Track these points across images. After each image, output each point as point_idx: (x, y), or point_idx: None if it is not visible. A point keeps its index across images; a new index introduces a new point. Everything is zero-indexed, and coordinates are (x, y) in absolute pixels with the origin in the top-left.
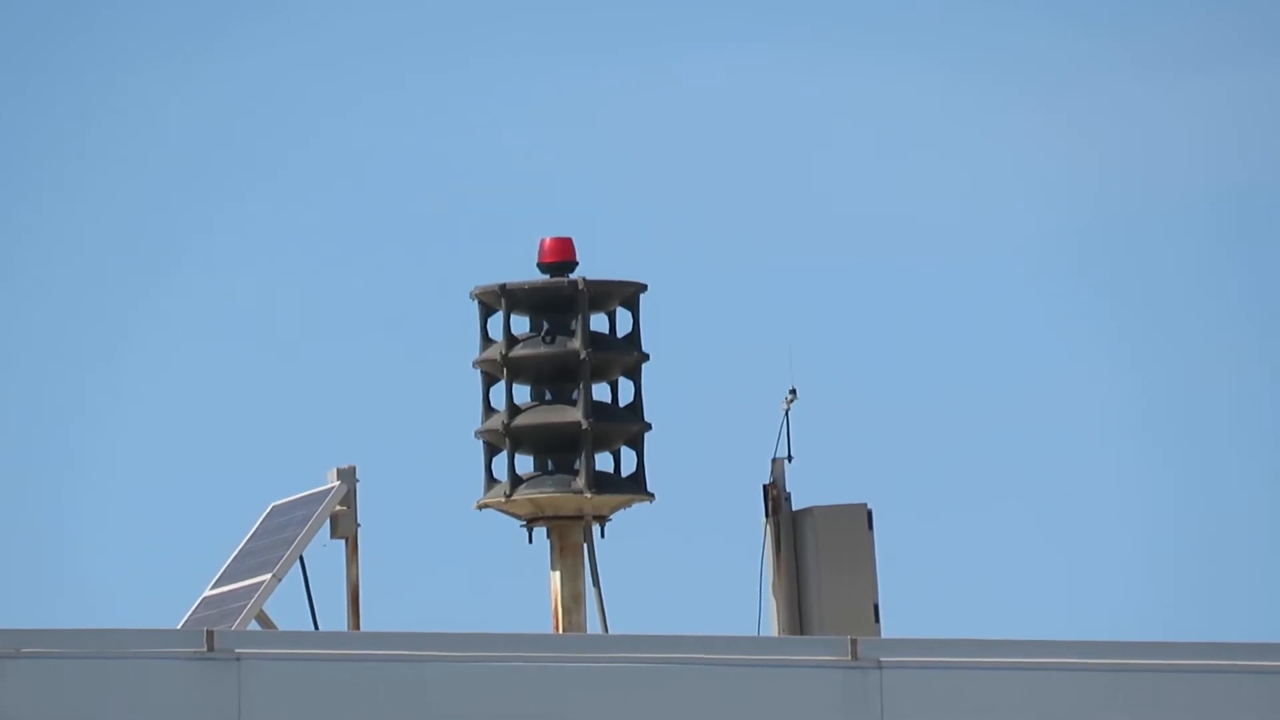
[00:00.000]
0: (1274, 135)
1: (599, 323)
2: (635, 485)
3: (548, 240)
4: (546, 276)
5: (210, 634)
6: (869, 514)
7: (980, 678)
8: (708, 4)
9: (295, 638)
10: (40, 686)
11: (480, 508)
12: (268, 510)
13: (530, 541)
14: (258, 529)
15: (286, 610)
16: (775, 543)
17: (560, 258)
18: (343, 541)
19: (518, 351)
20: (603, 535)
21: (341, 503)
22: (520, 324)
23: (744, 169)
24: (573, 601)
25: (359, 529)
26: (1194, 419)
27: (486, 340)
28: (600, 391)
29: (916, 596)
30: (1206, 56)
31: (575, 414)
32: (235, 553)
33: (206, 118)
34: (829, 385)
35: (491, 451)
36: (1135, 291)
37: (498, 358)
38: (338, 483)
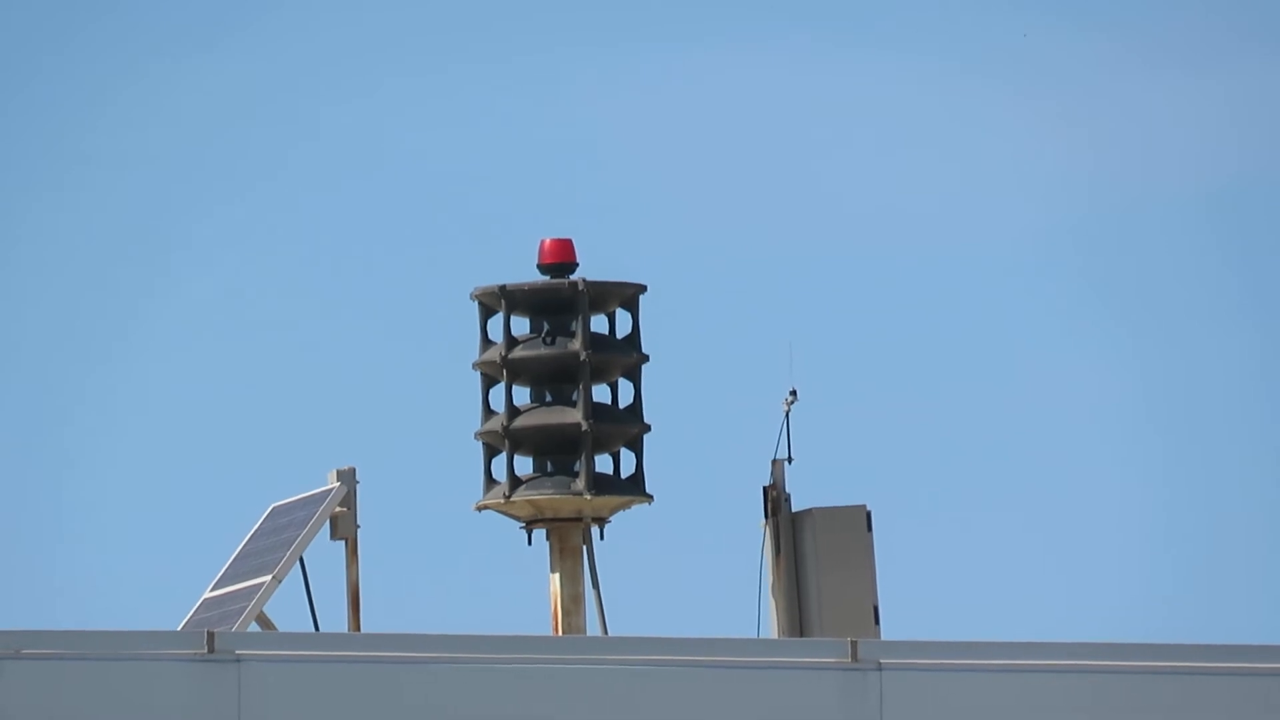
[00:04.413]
0: (1270, 131)
1: (599, 324)
2: (635, 487)
3: (548, 241)
4: (546, 278)
5: (210, 635)
6: (868, 515)
7: (980, 680)
8: (708, 4)
9: (295, 639)
10: (40, 687)
11: (479, 509)
12: (268, 511)
13: (529, 543)
14: (258, 530)
15: (287, 611)
16: (775, 544)
17: (560, 259)
18: (343, 543)
19: (517, 353)
20: (602, 537)
21: (341, 504)
22: (520, 325)
23: (744, 169)
24: (572, 603)
25: (359, 530)
26: (1193, 418)
27: (486, 342)
28: (600, 393)
29: (916, 598)
30: (1202, 53)
31: (575, 415)
32: (235, 554)
33: (206, 118)
34: (829, 385)
35: (491, 453)
36: (1133, 289)
37: (497, 359)
38: (338, 484)
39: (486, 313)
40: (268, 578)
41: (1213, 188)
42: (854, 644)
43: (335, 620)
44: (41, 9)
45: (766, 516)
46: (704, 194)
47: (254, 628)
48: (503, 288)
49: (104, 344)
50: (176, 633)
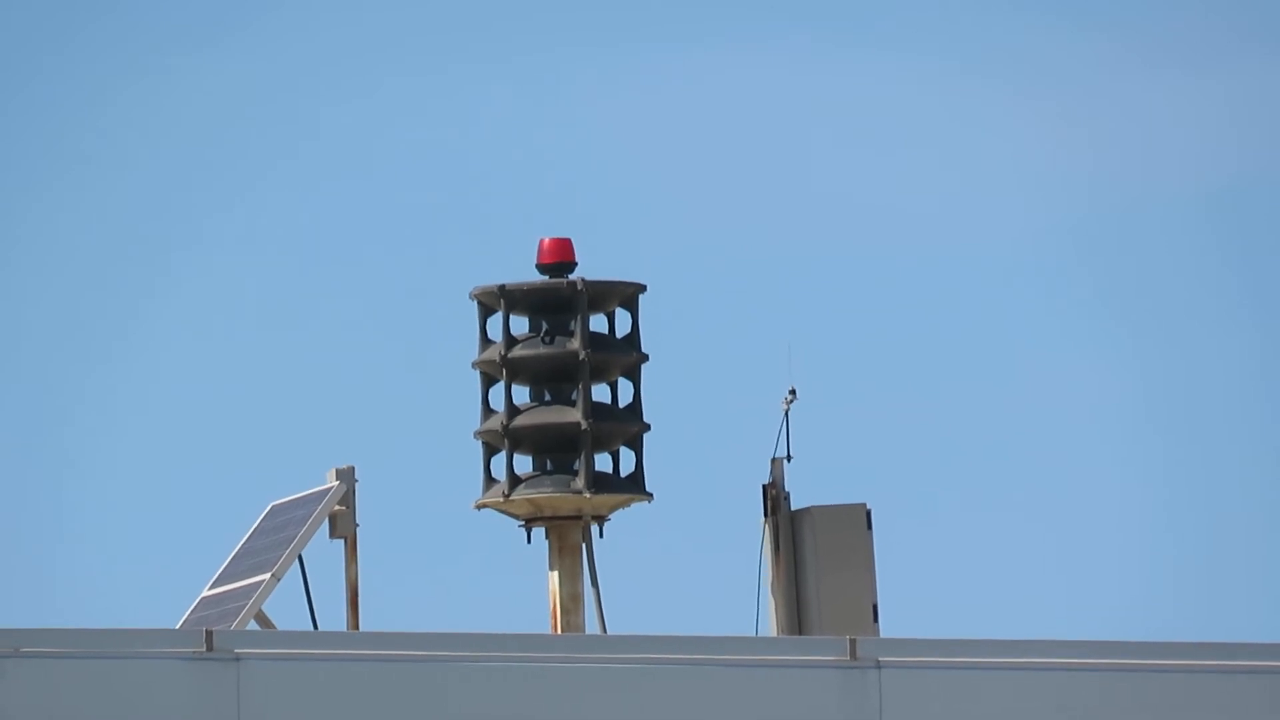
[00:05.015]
0: (1270, 131)
1: (598, 323)
2: (634, 485)
3: (547, 240)
4: (545, 277)
5: (209, 634)
6: (868, 514)
7: (979, 678)
8: (708, 4)
9: (294, 638)
10: (40, 686)
11: (479, 508)
12: (267, 510)
13: (529, 542)
14: (257, 529)
15: (285, 610)
16: (774, 543)
17: (559, 258)
18: (342, 541)
19: (517, 352)
20: (601, 535)
21: (340, 503)
22: (519, 324)
23: (743, 169)
24: (571, 602)
25: (358, 529)
26: (1193, 418)
27: (485, 341)
28: (599, 392)
29: (915, 596)
30: (1202, 53)
31: (574, 414)
32: (234, 553)
33: (206, 116)
34: (828, 385)
35: (490, 452)
36: (1133, 289)
37: (497, 358)
38: (337, 483)
39: (486, 312)
40: (267, 576)
41: (1213, 188)
42: (853, 642)
43: (334, 619)
44: (41, 9)
45: (766, 515)
46: (704, 194)
47: (253, 626)
48: (502, 287)
49: (104, 344)
50: (175, 631)
